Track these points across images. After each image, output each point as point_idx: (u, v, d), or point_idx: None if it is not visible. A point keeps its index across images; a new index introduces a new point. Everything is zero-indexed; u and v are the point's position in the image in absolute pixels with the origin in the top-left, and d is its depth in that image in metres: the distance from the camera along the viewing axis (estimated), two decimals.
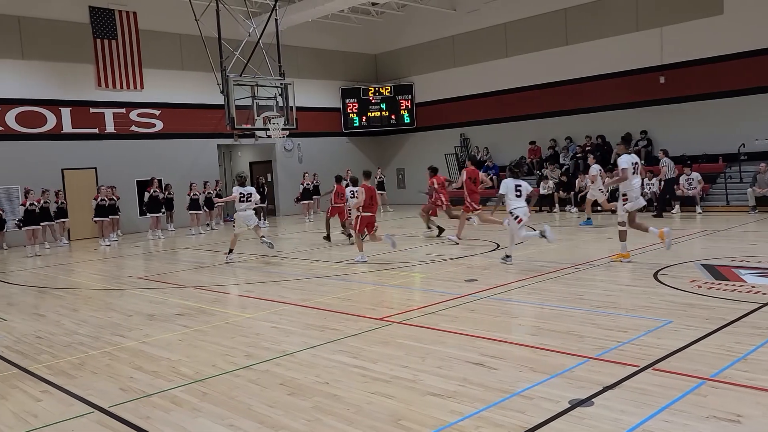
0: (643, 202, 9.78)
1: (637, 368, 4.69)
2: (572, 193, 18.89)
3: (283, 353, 5.72)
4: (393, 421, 4.04)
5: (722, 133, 17.85)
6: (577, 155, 20.54)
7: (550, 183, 19.31)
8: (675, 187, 16.67)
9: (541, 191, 19.41)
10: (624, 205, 9.48)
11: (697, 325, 5.75)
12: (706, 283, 7.64)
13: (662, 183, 16.49)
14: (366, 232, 11.35)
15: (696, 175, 16.60)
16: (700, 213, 16.08)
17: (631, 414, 3.89)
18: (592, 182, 15.43)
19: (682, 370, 4.60)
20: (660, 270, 8.58)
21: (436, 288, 8.44)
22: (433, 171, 14.56)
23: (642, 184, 10.20)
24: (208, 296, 8.93)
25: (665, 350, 5.07)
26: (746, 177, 16.58)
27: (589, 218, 15.37)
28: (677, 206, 16.51)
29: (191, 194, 19.06)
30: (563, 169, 20.07)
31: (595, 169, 15.45)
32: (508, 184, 9.76)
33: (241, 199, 12.13)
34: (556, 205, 19.08)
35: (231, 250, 12.34)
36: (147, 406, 4.61)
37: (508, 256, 9.95)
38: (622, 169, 9.34)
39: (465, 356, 5.27)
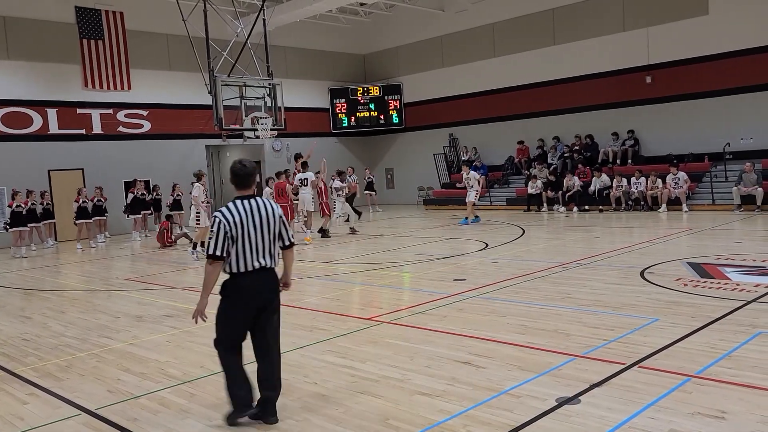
0: (311, 208, 14.88)
1: (624, 366, 4.73)
2: (560, 192, 18.99)
3: None
4: (381, 420, 4.06)
5: (708, 133, 18.01)
6: (565, 155, 20.65)
7: (539, 182, 19.41)
8: (656, 187, 16.83)
9: (530, 191, 19.50)
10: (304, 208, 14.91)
11: (683, 323, 5.81)
12: (692, 281, 7.72)
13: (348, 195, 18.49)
14: None
15: (682, 175, 16.74)
16: (686, 212, 16.23)
17: (618, 411, 3.92)
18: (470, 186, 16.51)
19: (668, 367, 4.65)
20: (647, 268, 8.65)
21: (425, 287, 8.46)
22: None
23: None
24: (197, 297, 8.86)
25: (651, 348, 5.12)
26: (731, 176, 16.74)
27: (466, 218, 16.49)
28: (664, 205, 16.67)
29: (174, 195, 19.01)
30: (551, 168, 20.17)
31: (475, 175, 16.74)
32: None
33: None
34: (544, 204, 19.17)
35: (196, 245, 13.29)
36: (135, 408, 4.60)
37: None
38: (310, 182, 14.92)
39: (453, 355, 5.29)
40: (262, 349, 4.17)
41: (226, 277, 4.14)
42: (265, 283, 4.12)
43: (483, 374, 4.78)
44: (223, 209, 4.06)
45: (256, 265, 4.05)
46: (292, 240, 4.31)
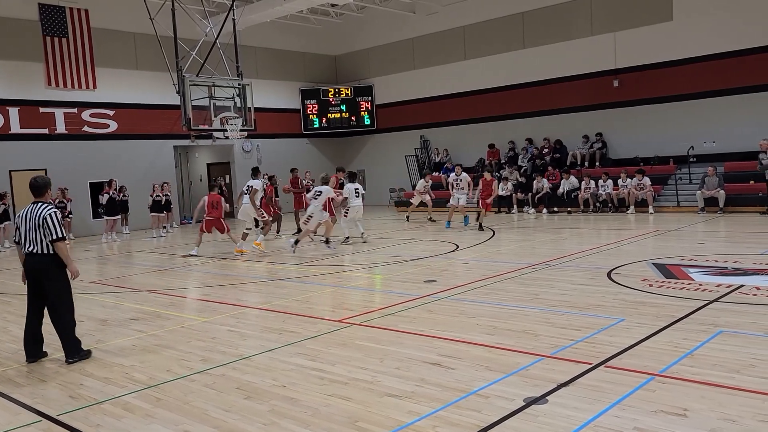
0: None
1: (590, 366, 4.79)
2: (530, 194, 19.20)
3: (240, 357, 5.65)
4: (350, 422, 4.04)
5: (673, 136, 18.41)
6: (535, 157, 20.87)
7: (509, 185, 19.59)
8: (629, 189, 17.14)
9: (500, 193, 19.66)
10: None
11: (648, 323, 5.92)
12: (657, 281, 7.87)
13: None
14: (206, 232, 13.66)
15: (647, 180, 17.05)
16: (652, 213, 16.55)
17: (584, 410, 3.97)
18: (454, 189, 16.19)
19: (633, 366, 4.73)
20: (613, 269, 8.79)
21: (396, 289, 8.46)
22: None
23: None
24: (164, 300, 8.76)
25: (617, 347, 5.20)
26: (695, 179, 17.14)
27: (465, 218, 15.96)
28: (632, 207, 16.98)
29: (154, 195, 18.67)
30: (521, 170, 20.37)
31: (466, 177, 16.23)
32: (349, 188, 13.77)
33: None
34: (514, 206, 19.36)
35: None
36: (97, 413, 4.49)
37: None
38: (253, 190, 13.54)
39: (423, 356, 5.30)
40: (48, 308, 5.97)
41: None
42: (35, 262, 5.82)
43: (452, 375, 4.80)
44: (20, 211, 5.97)
45: (27, 251, 5.86)
46: (59, 235, 5.81)
